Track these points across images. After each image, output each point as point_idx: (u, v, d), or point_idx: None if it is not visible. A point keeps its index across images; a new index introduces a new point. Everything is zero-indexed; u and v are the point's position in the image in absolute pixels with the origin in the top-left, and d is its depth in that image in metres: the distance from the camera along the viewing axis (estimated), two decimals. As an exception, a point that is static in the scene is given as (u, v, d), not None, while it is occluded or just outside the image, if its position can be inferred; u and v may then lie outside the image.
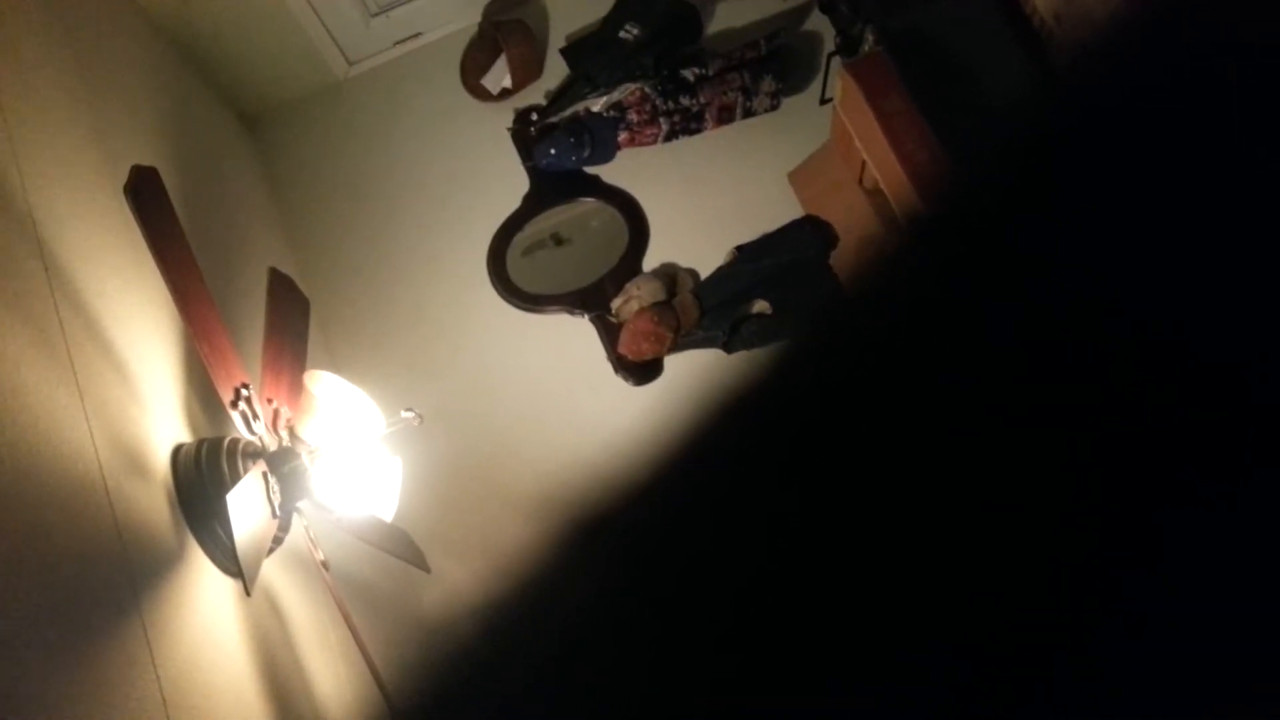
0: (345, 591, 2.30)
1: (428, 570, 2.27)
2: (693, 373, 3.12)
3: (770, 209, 3.23)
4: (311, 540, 2.01)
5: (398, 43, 3.68)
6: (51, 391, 1.52)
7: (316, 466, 1.90)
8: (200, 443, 1.88)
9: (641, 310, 3.12)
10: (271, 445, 1.91)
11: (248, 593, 1.64)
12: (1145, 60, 0.30)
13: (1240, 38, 0.29)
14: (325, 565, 2.01)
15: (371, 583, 2.70)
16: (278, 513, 1.82)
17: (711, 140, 3.40)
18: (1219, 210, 0.29)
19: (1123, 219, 0.29)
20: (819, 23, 3.44)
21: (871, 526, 0.29)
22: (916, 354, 0.31)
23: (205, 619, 1.71)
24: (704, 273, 3.23)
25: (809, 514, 0.30)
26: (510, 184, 3.46)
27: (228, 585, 1.84)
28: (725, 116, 3.37)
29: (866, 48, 3.05)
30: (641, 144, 3.40)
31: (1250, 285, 0.28)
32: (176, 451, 1.84)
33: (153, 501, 1.69)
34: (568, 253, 3.45)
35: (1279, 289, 0.28)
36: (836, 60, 3.13)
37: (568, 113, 3.50)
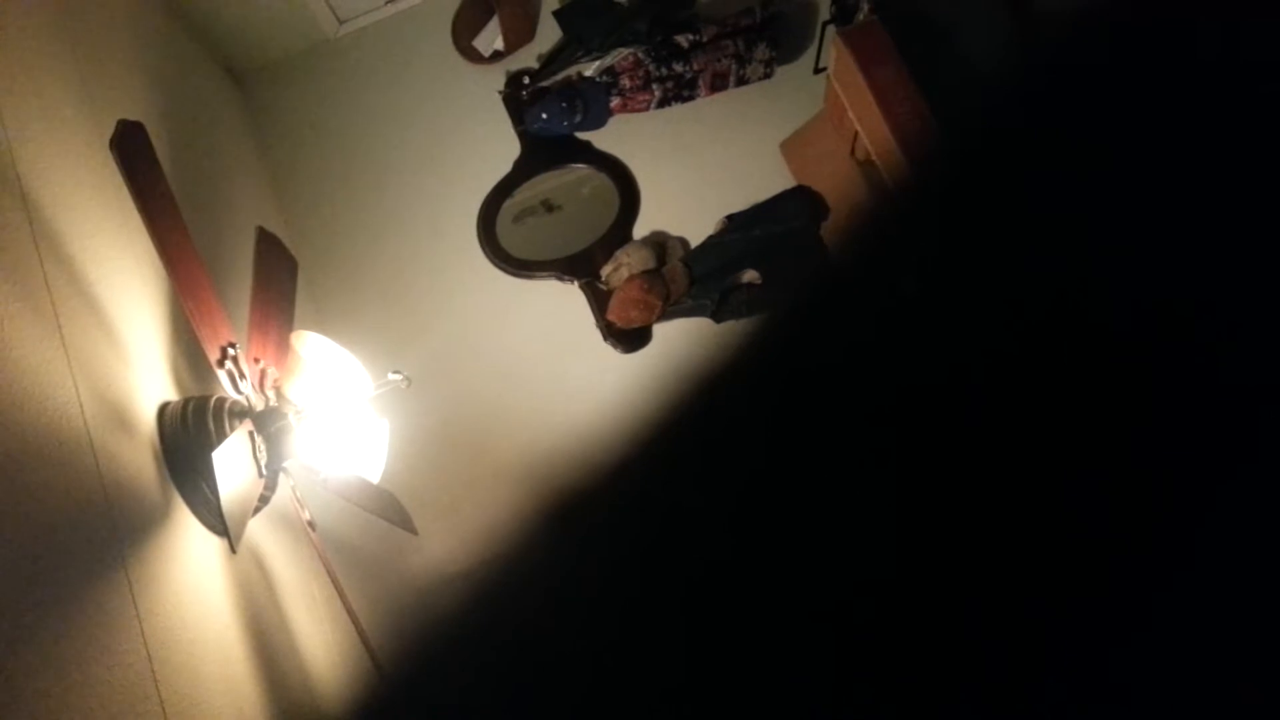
0: (331, 552, 2.31)
1: (415, 532, 2.28)
2: (681, 341, 3.12)
3: (762, 178, 3.22)
4: (298, 500, 2.02)
5: (389, 1, 3.63)
6: (36, 347, 1.51)
7: (303, 427, 1.91)
8: (186, 401, 1.87)
9: (631, 278, 3.12)
10: (258, 405, 1.91)
11: (233, 550, 1.65)
12: (1125, 31, 0.30)
13: (1219, 9, 0.29)
14: (311, 525, 2.02)
15: (358, 544, 2.72)
16: (264, 472, 1.82)
17: (704, 108, 3.38)
18: (1205, 175, 0.29)
19: (1108, 190, 0.30)
20: (815, -10, 3.42)
21: (856, 497, 0.29)
22: (901, 323, 0.31)
23: (190, 576, 1.71)
24: (694, 241, 3.23)
25: (790, 484, 0.30)
26: (501, 148, 3.43)
27: (213, 543, 1.84)
28: (719, 84, 3.34)
29: (862, 16, 3.03)
30: (634, 110, 3.37)
31: (1237, 246, 0.28)
32: (162, 409, 1.83)
33: (138, 459, 1.69)
34: (558, 219, 3.43)
35: (1266, 242, 0.28)
36: (831, 29, 3.10)
37: (560, 77, 3.47)
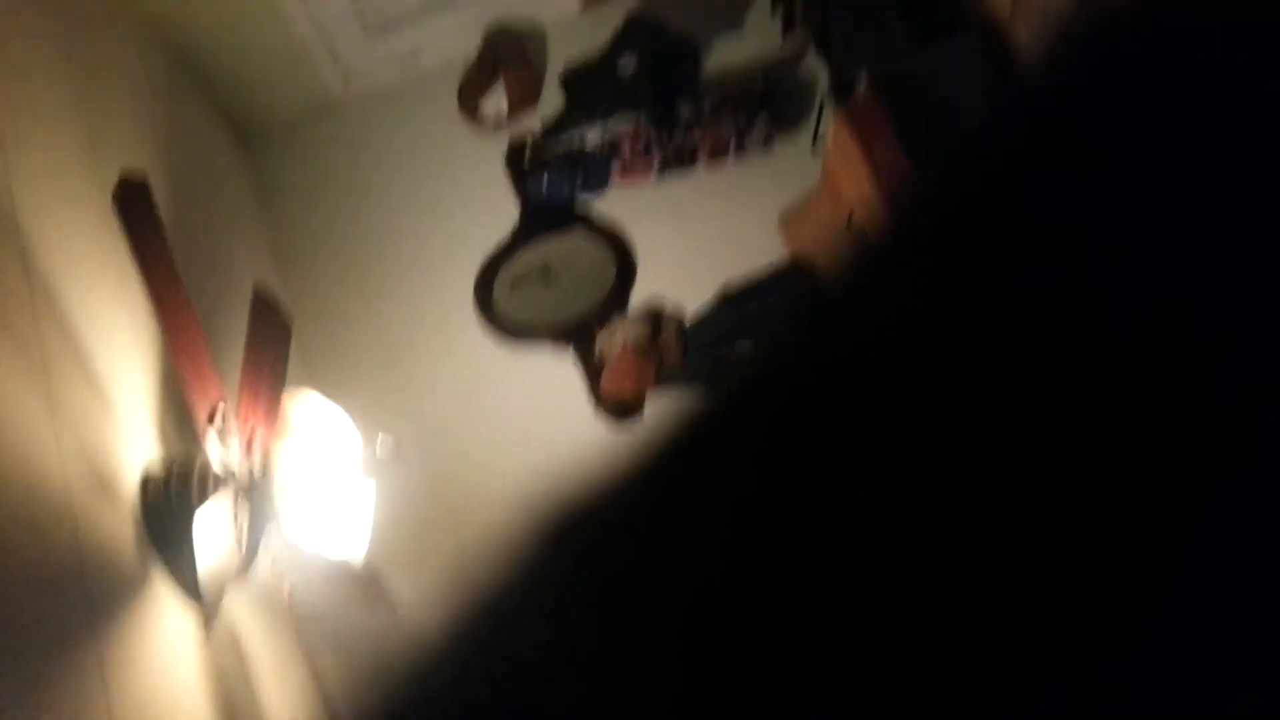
0: (311, 622, 2.24)
1: (395, 614, 2.21)
2: (673, 414, 3.10)
3: (759, 250, 3.23)
4: (277, 573, 1.96)
5: (396, 63, 3.66)
6: (21, 400, 1.47)
7: (287, 499, 1.86)
8: (170, 467, 1.83)
9: (625, 350, 3.10)
10: (244, 470, 1.86)
11: (207, 622, 1.59)
12: (1125, 31, 0.31)
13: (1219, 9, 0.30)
14: (291, 598, 1.96)
15: (338, 612, 2.64)
16: (244, 542, 1.77)
17: (704, 177, 3.40)
18: (1205, 176, 0.29)
19: (1107, 192, 0.30)
20: (815, 65, 3.47)
21: (849, 512, 0.29)
22: (896, 334, 0.31)
23: (164, 654, 1.65)
24: (690, 311, 3.22)
25: (781, 502, 0.30)
26: (501, 213, 3.44)
27: (189, 620, 1.78)
28: (719, 153, 3.38)
29: (860, 90, 3.07)
30: (634, 178, 3.39)
31: (1237, 281, 0.28)
32: (145, 473, 1.79)
33: (117, 524, 1.64)
34: (555, 286, 3.42)
35: (1266, 244, 0.28)
36: (830, 103, 3.14)
37: (562, 144, 3.49)
